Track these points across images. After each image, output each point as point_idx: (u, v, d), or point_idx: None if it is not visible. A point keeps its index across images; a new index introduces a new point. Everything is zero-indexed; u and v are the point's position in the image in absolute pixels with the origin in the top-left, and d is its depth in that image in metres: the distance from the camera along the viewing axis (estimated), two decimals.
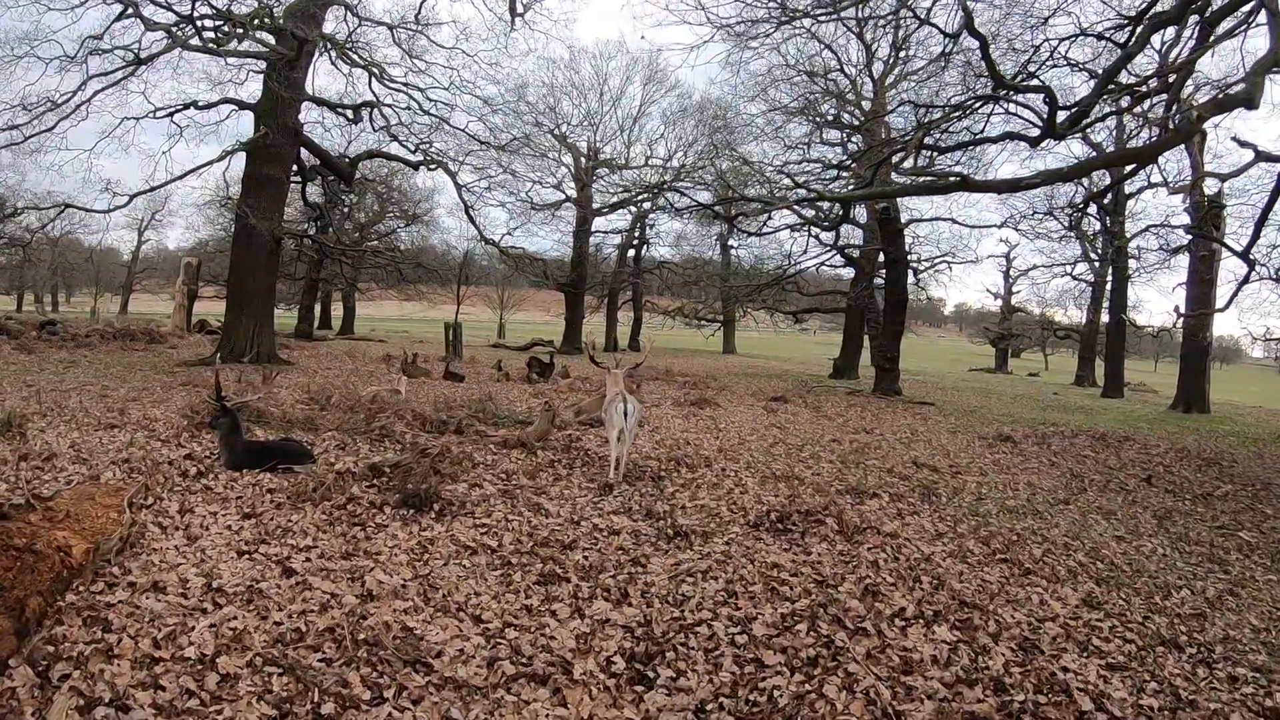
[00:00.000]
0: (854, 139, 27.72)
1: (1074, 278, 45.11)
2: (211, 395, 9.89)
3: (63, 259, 54.28)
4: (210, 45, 20.17)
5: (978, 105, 13.71)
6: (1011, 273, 55.53)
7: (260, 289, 21.56)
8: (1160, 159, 26.03)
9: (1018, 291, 56.52)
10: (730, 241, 45.44)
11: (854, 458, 12.08)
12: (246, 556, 6.06)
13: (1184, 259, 29.18)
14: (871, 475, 10.76)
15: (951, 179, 12.49)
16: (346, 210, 39.51)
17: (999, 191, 13.99)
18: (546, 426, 11.34)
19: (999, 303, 57.52)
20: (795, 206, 20.79)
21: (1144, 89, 13.75)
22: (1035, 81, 13.26)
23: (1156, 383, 46.55)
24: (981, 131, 13.57)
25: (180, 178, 21.67)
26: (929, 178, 15.11)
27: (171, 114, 21.67)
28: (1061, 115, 11.95)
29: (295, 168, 23.62)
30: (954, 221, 31.31)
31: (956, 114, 13.87)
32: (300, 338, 34.64)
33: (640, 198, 40.45)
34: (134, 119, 21.58)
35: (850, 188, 29.17)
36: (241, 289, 21.57)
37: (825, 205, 23.50)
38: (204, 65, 25.23)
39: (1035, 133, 12.88)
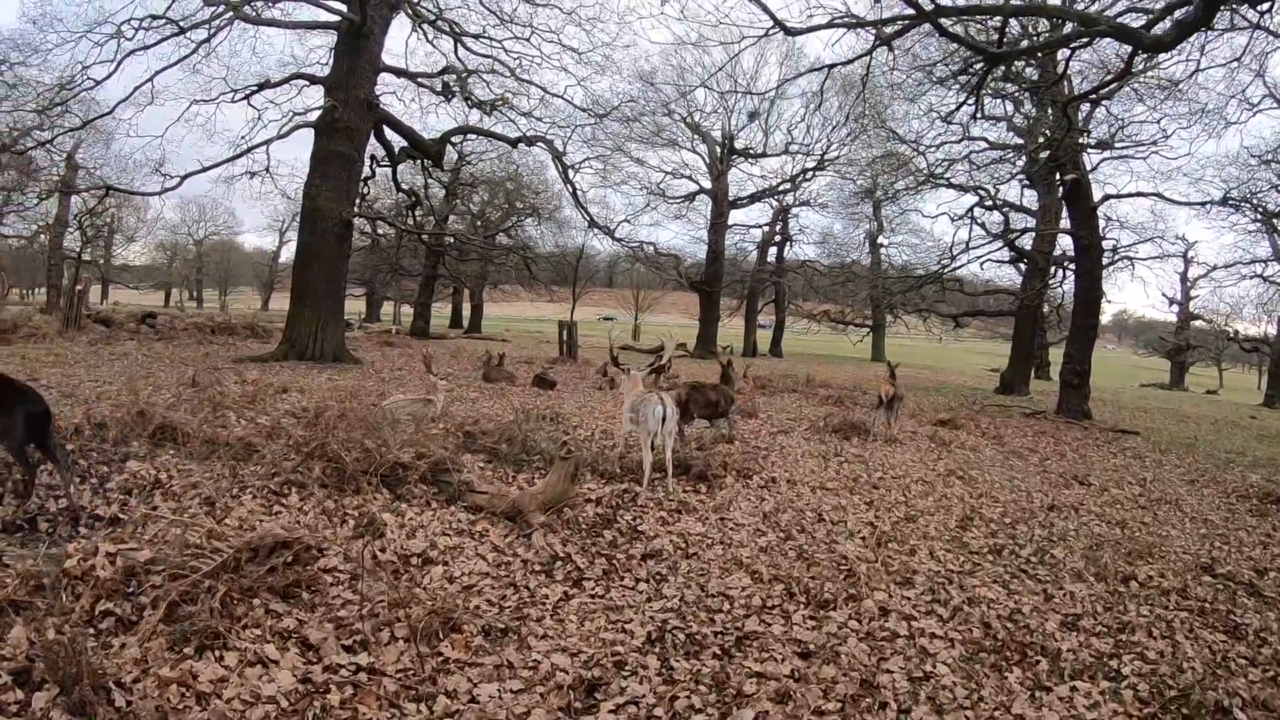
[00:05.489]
0: (1026, 105, 21.05)
1: (1266, 280, 35.48)
2: None
3: (210, 258, 53.98)
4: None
5: None
6: (1190, 274, 45.14)
7: (326, 278, 17.53)
8: None
9: (1194, 296, 46.13)
10: (880, 239, 38.67)
11: (1112, 563, 6.14)
12: None
13: None
14: (1176, 625, 4.97)
15: None
16: (477, 209, 35.70)
17: None
18: (562, 486, 6.04)
19: (1174, 309, 47.12)
20: None
21: None
22: None
23: None
24: None
25: (235, 158, 18.13)
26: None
27: (247, 96, 18.51)
28: None
29: (385, 151, 19.81)
30: (1160, 198, 23.22)
31: None
32: (416, 335, 31.07)
33: (782, 188, 34.45)
34: (202, 102, 18.60)
35: (1017, 172, 22.65)
36: (306, 278, 17.63)
37: None
38: (286, 45, 22.41)
39: None
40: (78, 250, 35.29)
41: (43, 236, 32.14)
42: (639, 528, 5.99)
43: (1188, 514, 8.75)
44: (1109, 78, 10.08)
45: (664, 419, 7.22)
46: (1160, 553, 6.70)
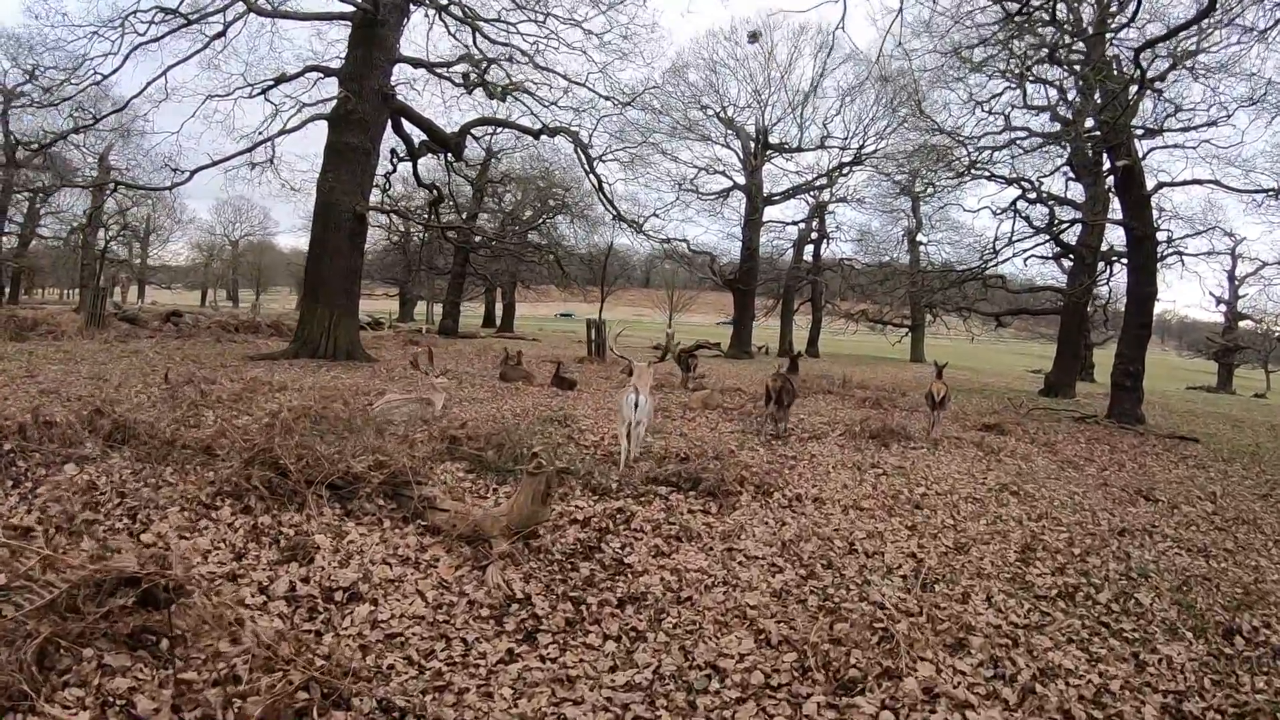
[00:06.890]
0: (1072, 91, 19.33)
1: None
2: None
3: (245, 258, 54.22)
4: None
5: None
6: (1238, 271, 42.16)
7: (339, 273, 16.70)
8: None
9: (1243, 295, 43.20)
10: (919, 237, 37.01)
11: (1208, 610, 4.88)
12: None
13: None
14: None
15: None
16: (509, 208, 34.85)
17: None
18: (532, 507, 4.92)
19: (1222, 309, 44.19)
20: None
21: None
22: None
23: None
24: None
25: (246, 152, 17.41)
26: None
27: (264, 91, 17.68)
28: None
29: (404, 145, 19.03)
30: (1218, 185, 21.17)
31: None
32: (445, 334, 30.35)
33: (819, 183, 33.01)
34: (218, 97, 17.84)
35: (1063, 164, 21.00)
36: (318, 273, 16.85)
37: None
38: (306, 41, 21.70)
39: None
40: (102, 248, 35.15)
41: (75, 237, 32.12)
42: (625, 559, 4.86)
43: (1270, 536, 7.42)
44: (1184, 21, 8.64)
45: (636, 406, 7.31)
46: (1257, 592, 5.42)
